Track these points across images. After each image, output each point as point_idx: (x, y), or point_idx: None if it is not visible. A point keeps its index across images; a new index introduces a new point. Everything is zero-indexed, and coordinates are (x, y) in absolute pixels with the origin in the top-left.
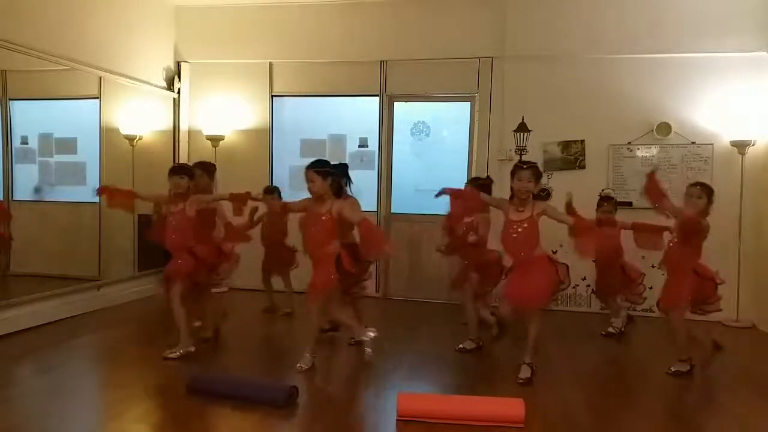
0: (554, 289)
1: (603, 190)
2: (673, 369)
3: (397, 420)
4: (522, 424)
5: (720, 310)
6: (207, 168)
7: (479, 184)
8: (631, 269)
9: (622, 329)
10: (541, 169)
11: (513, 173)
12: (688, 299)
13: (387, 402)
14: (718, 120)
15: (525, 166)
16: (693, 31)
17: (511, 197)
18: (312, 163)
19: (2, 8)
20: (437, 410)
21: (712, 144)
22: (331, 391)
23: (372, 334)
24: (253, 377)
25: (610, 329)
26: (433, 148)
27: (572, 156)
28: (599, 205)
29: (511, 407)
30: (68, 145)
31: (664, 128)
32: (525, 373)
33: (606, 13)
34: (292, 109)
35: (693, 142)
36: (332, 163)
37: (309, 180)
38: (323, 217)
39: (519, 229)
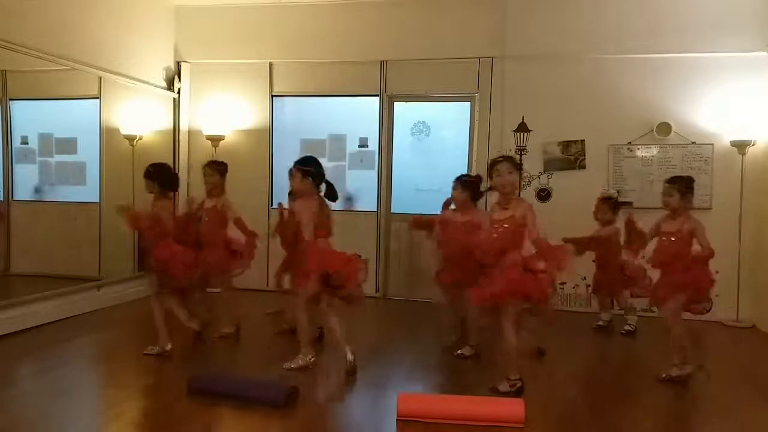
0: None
1: (607, 191)
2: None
3: (398, 420)
4: (522, 424)
5: None
6: (218, 167)
7: (466, 181)
8: (630, 267)
9: (634, 326)
10: (541, 168)
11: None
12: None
13: (387, 402)
14: (718, 120)
15: (501, 159)
16: (693, 31)
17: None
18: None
19: (2, 8)
20: (437, 410)
21: (712, 144)
22: (331, 391)
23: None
24: (254, 377)
25: (600, 323)
26: (433, 148)
27: (572, 156)
28: (598, 207)
29: (511, 407)
30: (68, 145)
31: (665, 128)
32: (503, 387)
33: (606, 13)
34: (292, 109)
35: (693, 142)
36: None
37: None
38: None
39: (500, 229)
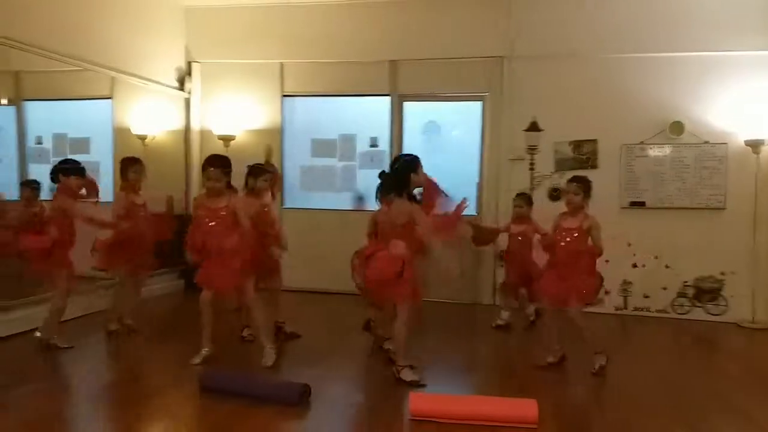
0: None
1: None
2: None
3: (410, 420)
4: (535, 424)
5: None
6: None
7: None
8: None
9: (510, 322)
10: (552, 168)
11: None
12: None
13: (400, 402)
14: (732, 119)
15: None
16: (707, 29)
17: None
18: None
19: (16, 9)
20: (450, 410)
21: (726, 143)
22: (344, 390)
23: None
24: (267, 375)
25: (500, 321)
26: (444, 147)
27: (584, 156)
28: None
29: (525, 408)
30: (81, 145)
31: (677, 127)
32: (406, 376)
33: (618, 11)
34: (303, 109)
35: (706, 142)
36: None
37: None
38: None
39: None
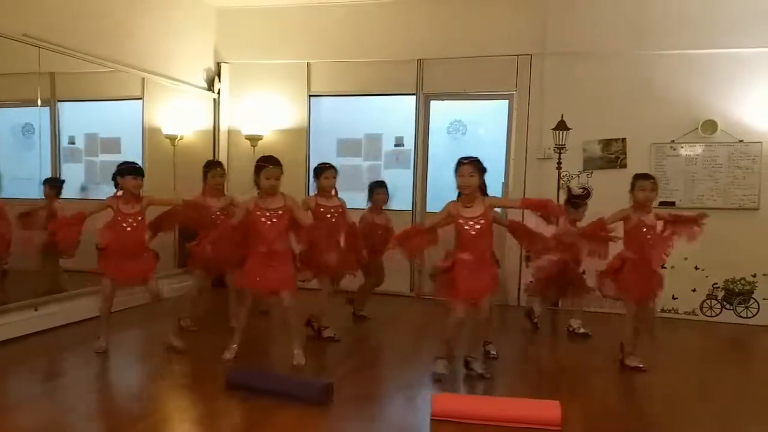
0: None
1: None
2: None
3: (432, 420)
4: (558, 427)
5: None
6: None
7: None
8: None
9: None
10: (581, 168)
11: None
12: None
13: (422, 402)
14: (767, 117)
15: (466, 161)
16: (740, 24)
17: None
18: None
19: (52, 13)
20: (472, 411)
21: (760, 142)
22: (367, 390)
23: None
24: (290, 374)
25: (582, 329)
26: (469, 146)
27: (613, 155)
28: (579, 205)
29: (547, 409)
30: (113, 144)
31: (710, 126)
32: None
33: (649, 8)
34: (329, 108)
35: (740, 141)
36: None
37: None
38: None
39: (477, 226)
